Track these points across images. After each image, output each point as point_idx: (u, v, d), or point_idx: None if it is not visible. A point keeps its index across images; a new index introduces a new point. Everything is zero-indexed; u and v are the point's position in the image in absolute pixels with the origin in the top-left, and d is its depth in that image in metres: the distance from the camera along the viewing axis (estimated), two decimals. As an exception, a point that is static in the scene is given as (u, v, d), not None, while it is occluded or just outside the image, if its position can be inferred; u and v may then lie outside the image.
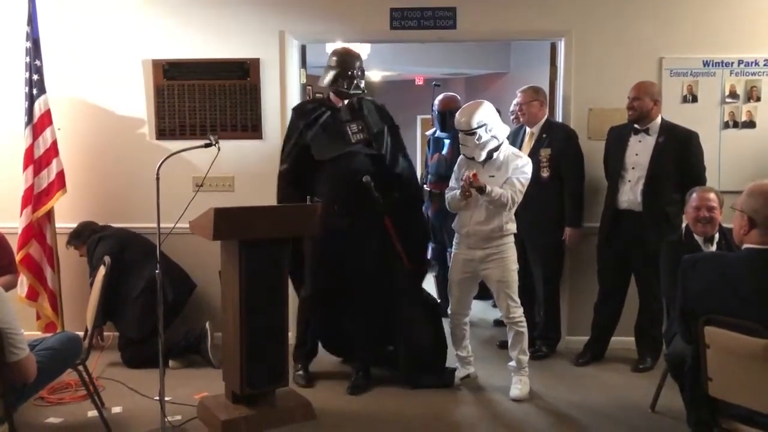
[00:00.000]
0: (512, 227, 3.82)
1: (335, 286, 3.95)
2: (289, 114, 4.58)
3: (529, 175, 3.79)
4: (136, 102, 4.66)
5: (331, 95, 3.93)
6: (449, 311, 4.04)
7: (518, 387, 3.85)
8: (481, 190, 3.63)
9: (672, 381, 3.15)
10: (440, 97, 5.29)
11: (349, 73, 3.83)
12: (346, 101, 3.90)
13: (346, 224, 3.83)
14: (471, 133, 3.72)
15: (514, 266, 3.84)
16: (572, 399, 3.84)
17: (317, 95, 7.86)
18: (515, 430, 3.49)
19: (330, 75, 3.84)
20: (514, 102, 5.27)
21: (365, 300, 4.00)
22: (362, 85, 3.91)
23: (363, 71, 3.93)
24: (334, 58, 3.87)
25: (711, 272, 2.55)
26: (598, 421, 3.56)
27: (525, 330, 3.86)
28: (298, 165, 3.91)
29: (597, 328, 4.44)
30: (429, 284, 5.81)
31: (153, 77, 4.62)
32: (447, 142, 5.16)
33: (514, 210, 3.79)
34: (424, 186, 5.28)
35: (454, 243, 3.96)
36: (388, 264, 4.01)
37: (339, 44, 4.46)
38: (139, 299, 4.23)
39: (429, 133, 5.55)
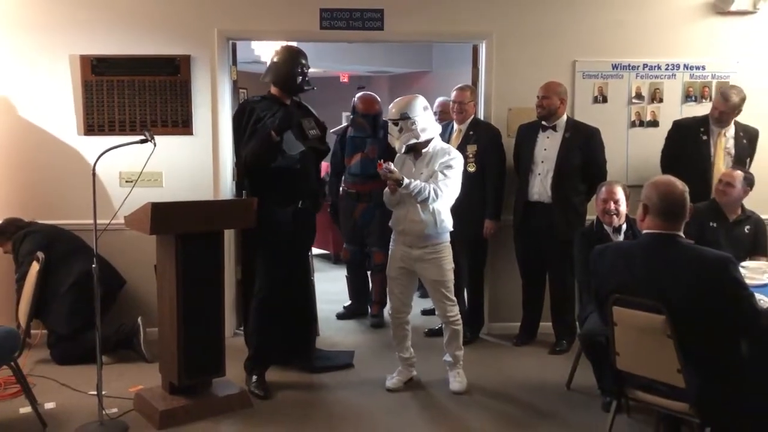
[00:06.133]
0: (448, 225, 3.79)
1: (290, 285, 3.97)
2: (222, 110, 4.67)
3: (457, 168, 3.74)
4: (63, 97, 4.59)
5: (276, 91, 3.86)
6: (389, 312, 4.01)
7: (458, 381, 3.91)
8: (398, 183, 3.59)
9: (586, 360, 3.42)
10: (362, 97, 5.10)
11: (299, 69, 3.83)
12: (293, 97, 3.89)
13: (310, 221, 4.02)
14: (395, 122, 3.73)
15: (450, 266, 3.82)
16: (494, 381, 4.06)
17: (252, 96, 7.79)
18: (437, 415, 3.67)
19: (280, 71, 3.81)
20: (440, 100, 5.48)
21: (309, 295, 4.23)
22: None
23: (307, 67, 3.90)
24: (284, 55, 3.84)
25: (614, 258, 2.84)
26: (518, 400, 3.81)
27: (461, 327, 3.90)
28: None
29: (525, 312, 4.74)
30: (342, 284, 5.63)
31: (81, 72, 4.57)
32: (368, 140, 5.00)
33: (445, 204, 3.75)
34: (342, 187, 5.17)
35: (391, 240, 3.92)
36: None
37: (271, 42, 4.51)
38: (68, 294, 4.19)
39: (337, 131, 5.23)
